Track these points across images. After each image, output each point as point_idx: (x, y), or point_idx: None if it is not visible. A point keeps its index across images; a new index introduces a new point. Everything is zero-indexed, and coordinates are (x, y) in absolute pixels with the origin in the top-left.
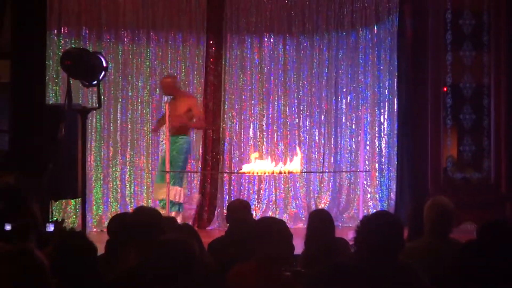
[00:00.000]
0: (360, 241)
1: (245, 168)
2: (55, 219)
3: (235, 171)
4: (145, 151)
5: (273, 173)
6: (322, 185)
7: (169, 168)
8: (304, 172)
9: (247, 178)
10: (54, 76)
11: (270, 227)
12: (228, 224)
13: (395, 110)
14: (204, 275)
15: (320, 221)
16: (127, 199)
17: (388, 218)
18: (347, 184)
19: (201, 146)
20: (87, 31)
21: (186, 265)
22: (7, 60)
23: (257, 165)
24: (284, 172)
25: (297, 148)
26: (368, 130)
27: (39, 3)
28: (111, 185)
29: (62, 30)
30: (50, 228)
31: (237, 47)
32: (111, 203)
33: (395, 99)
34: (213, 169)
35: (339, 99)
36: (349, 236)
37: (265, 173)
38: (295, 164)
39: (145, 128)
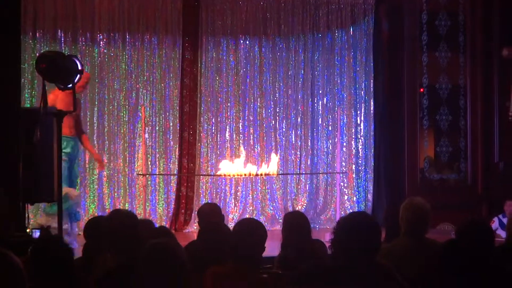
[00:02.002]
0: (337, 242)
1: (222, 167)
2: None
3: (212, 173)
4: (122, 154)
5: (250, 175)
6: (299, 187)
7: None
8: (280, 174)
9: (223, 180)
10: (30, 80)
11: (248, 228)
12: (200, 229)
13: (372, 112)
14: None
15: (295, 224)
16: (104, 202)
17: (365, 219)
18: (324, 186)
19: (177, 148)
20: (62, 34)
21: (177, 270)
22: None
23: (233, 166)
24: (261, 175)
25: (273, 154)
26: (345, 131)
27: (13, 6)
28: (89, 188)
29: (37, 34)
30: (36, 234)
31: (212, 50)
32: (89, 206)
33: (372, 100)
34: (189, 172)
35: (315, 101)
36: (326, 238)
37: (241, 176)
38: (272, 167)
39: (122, 131)
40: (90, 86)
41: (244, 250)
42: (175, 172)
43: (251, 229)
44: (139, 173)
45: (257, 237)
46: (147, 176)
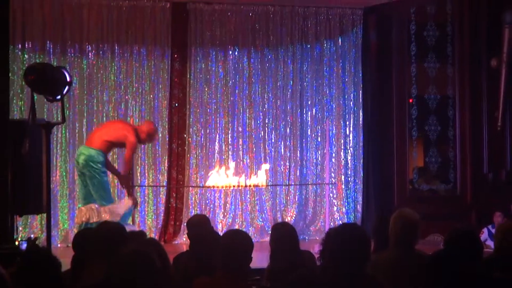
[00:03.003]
0: (327, 253)
1: (210, 179)
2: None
3: (201, 184)
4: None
5: (238, 186)
6: (288, 198)
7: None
8: (270, 185)
9: (213, 192)
10: (19, 91)
11: (234, 239)
12: (190, 241)
13: (361, 122)
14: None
15: (283, 235)
16: None
17: (354, 230)
18: (313, 197)
19: (166, 159)
20: (51, 46)
21: (145, 275)
22: None
23: (222, 178)
24: (250, 186)
25: (264, 164)
26: (334, 142)
27: (2, 17)
28: (78, 200)
29: (26, 45)
30: (23, 246)
31: (201, 61)
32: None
33: (360, 111)
34: (178, 183)
35: (304, 112)
36: (315, 249)
37: (230, 187)
38: (261, 178)
39: None
40: (79, 97)
41: (231, 261)
42: (164, 183)
43: (237, 240)
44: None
45: (243, 247)
46: (136, 187)
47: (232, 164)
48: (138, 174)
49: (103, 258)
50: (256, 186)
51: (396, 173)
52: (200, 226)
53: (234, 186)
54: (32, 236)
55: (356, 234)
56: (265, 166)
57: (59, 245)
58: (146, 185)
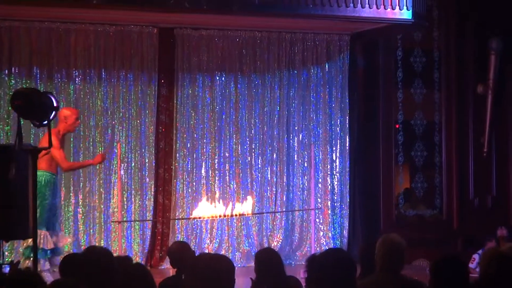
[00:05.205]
0: (313, 279)
1: (196, 211)
2: (10, 260)
3: (187, 210)
4: (98, 191)
5: (224, 216)
6: (274, 223)
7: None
8: (255, 214)
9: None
10: (5, 116)
11: (211, 264)
12: (174, 267)
13: (347, 148)
14: None
15: (267, 261)
16: (80, 239)
17: (340, 255)
18: (299, 222)
19: (153, 185)
20: (38, 71)
21: None
22: None
23: (208, 208)
24: (236, 215)
25: (249, 196)
26: (320, 167)
27: None
28: (64, 225)
29: (13, 70)
30: (6, 269)
31: (188, 86)
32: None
33: (347, 136)
34: (164, 209)
35: (291, 137)
36: (301, 274)
37: (216, 217)
38: (247, 206)
39: (97, 167)
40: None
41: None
42: (151, 208)
43: (217, 263)
44: (114, 220)
45: (223, 270)
46: (123, 212)
47: (218, 193)
48: (125, 199)
49: (90, 283)
50: (241, 215)
51: (382, 198)
52: (181, 253)
53: (220, 216)
54: (14, 260)
55: (341, 259)
56: (250, 199)
57: (46, 269)
58: (133, 214)
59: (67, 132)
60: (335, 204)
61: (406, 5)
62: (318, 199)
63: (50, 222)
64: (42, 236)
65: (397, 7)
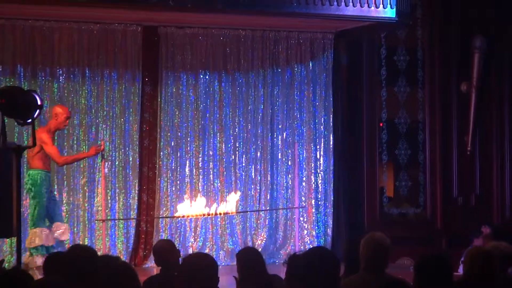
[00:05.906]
0: (296, 277)
1: (180, 208)
2: None
3: (171, 208)
4: (82, 189)
5: (208, 215)
6: (258, 222)
7: None
8: (239, 212)
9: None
10: None
11: (196, 264)
12: (158, 266)
13: (331, 146)
14: None
15: (248, 260)
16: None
17: (324, 254)
18: (283, 221)
19: (137, 183)
20: (22, 69)
21: None
22: None
23: (193, 206)
24: (220, 214)
25: (233, 193)
26: (304, 166)
27: None
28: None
29: None
30: None
31: (172, 84)
32: None
33: (331, 135)
34: (148, 207)
35: (275, 136)
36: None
37: (201, 216)
38: (231, 205)
39: (81, 166)
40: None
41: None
42: (135, 206)
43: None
44: (98, 219)
45: (207, 268)
46: (107, 211)
47: (202, 191)
48: (109, 198)
49: (74, 281)
50: (225, 213)
51: (366, 197)
52: (166, 252)
53: (204, 215)
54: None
55: (325, 257)
56: (235, 197)
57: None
58: (117, 212)
59: (57, 129)
60: (319, 203)
61: (390, 4)
62: (302, 198)
63: (56, 215)
64: (42, 233)
65: (381, 6)
